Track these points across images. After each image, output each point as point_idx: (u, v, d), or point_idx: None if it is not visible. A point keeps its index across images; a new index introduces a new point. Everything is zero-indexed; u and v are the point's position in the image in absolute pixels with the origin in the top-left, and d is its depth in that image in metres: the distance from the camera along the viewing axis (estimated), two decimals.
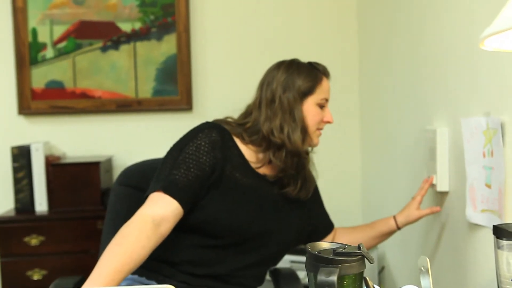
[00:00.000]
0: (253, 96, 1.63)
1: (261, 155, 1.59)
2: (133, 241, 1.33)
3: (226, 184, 1.52)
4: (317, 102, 1.58)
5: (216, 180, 1.51)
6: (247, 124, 1.59)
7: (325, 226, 1.78)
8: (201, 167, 1.48)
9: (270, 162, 1.58)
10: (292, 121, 1.54)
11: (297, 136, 1.54)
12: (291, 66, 1.58)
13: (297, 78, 1.56)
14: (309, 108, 1.57)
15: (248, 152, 1.58)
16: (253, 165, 1.58)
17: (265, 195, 1.59)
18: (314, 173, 1.69)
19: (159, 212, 1.40)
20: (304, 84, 1.56)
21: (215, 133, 1.53)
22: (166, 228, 1.41)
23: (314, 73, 1.58)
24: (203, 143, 1.50)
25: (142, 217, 1.38)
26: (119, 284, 1.29)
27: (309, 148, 1.65)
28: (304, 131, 1.56)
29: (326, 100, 1.60)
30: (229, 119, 1.63)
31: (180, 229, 1.49)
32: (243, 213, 1.54)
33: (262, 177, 1.59)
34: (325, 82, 1.60)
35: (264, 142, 1.57)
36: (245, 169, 1.56)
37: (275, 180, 1.60)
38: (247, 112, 1.62)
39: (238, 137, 1.58)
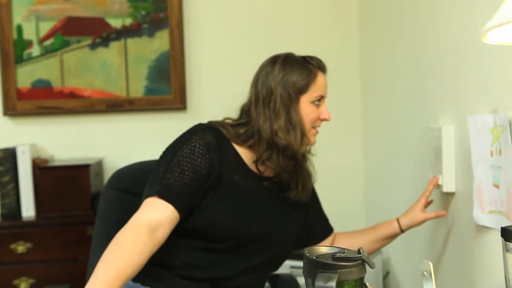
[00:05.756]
0: (248, 94, 1.63)
1: (256, 156, 1.60)
2: (130, 247, 1.34)
3: (225, 187, 1.53)
4: (312, 100, 1.57)
5: (214, 182, 1.51)
6: (243, 124, 1.59)
7: (322, 229, 1.78)
8: (196, 170, 1.49)
9: (263, 163, 1.58)
10: (289, 122, 1.54)
11: (293, 137, 1.54)
12: (285, 62, 1.58)
13: (292, 75, 1.55)
14: (303, 106, 1.56)
15: (244, 152, 1.59)
16: (250, 166, 1.59)
17: (263, 196, 1.60)
18: (312, 172, 1.68)
19: (154, 217, 1.41)
20: (298, 82, 1.55)
21: (209, 135, 1.54)
22: (162, 233, 1.42)
23: (307, 69, 1.57)
24: (197, 145, 1.51)
25: (137, 223, 1.39)
26: None
27: (307, 148, 1.64)
28: (302, 131, 1.56)
29: (322, 97, 1.60)
30: (225, 120, 1.63)
31: (179, 233, 1.49)
32: (244, 215, 1.55)
33: (260, 177, 1.60)
34: (320, 78, 1.59)
35: (262, 143, 1.56)
36: (242, 170, 1.57)
37: (272, 179, 1.61)
38: (242, 112, 1.62)
39: (233, 138, 1.59)
